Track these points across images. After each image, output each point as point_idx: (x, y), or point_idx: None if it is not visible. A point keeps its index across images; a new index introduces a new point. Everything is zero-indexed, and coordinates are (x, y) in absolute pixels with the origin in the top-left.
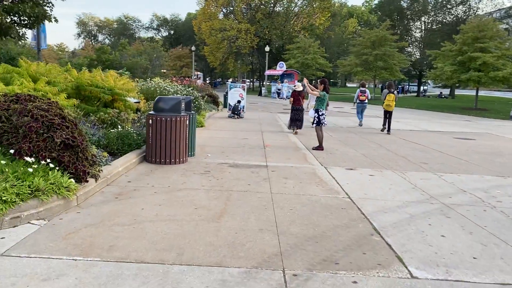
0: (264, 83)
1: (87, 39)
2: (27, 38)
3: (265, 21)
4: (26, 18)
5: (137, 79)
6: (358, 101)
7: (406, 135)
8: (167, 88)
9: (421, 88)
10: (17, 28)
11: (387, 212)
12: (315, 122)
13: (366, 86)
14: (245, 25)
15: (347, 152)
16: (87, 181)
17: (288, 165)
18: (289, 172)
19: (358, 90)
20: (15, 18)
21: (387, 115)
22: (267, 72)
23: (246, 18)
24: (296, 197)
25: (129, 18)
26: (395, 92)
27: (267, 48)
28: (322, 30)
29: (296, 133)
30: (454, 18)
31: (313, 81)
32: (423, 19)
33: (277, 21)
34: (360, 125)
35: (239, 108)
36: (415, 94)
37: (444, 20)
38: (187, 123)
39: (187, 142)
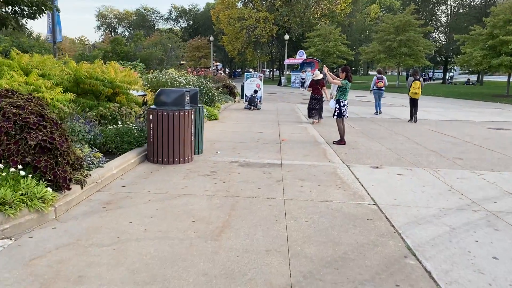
0: (284, 72)
1: (107, 31)
2: (27, 29)
3: (284, 8)
4: (26, 8)
5: (152, 71)
6: (375, 88)
7: (435, 126)
8: (179, 79)
9: (447, 75)
10: (19, 18)
11: (422, 224)
12: (336, 113)
13: (385, 73)
14: (264, 14)
15: (371, 146)
16: (69, 189)
17: (305, 163)
18: (306, 172)
19: (374, 77)
20: (16, 8)
21: (413, 103)
22: (287, 61)
23: (265, 6)
24: (313, 205)
25: (148, 9)
26: (421, 79)
27: (286, 37)
28: (343, 16)
29: (314, 123)
30: (483, 1)
31: (334, 70)
32: (449, 2)
33: (297, 8)
34: (379, 113)
35: (255, 99)
36: (441, 81)
37: (472, 3)
38: (193, 117)
39: (192, 139)
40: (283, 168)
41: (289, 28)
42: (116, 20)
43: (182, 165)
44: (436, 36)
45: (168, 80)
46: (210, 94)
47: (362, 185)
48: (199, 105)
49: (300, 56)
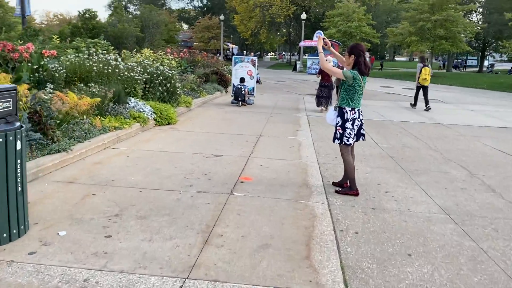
0: (300, 56)
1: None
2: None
3: None
4: None
5: (124, 51)
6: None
7: (505, 142)
8: (113, 63)
9: (486, 62)
10: None
11: None
12: (337, 136)
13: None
14: None
15: (409, 199)
16: None
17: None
18: None
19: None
20: None
21: (424, 90)
22: (302, 43)
23: None
24: None
25: None
26: (429, 65)
27: (303, 16)
28: None
29: (322, 111)
30: None
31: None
32: None
33: None
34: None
35: (242, 92)
36: (475, 69)
37: None
38: None
39: None
40: None
41: (309, 7)
42: None
43: None
44: (474, 18)
45: (95, 65)
46: (169, 85)
47: None
48: (10, 127)
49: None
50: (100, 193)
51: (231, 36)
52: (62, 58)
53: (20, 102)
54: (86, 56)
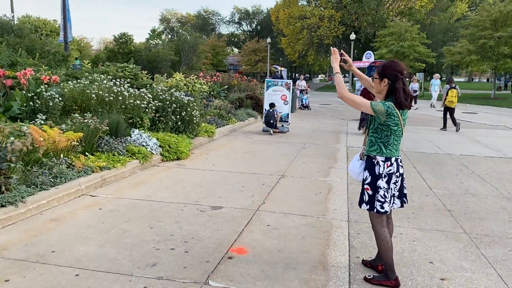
0: (349, 78)
1: (169, 36)
2: None
3: (353, 5)
4: None
5: (157, 76)
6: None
7: None
8: (116, 90)
9: None
10: None
11: None
12: (365, 199)
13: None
14: (329, 11)
15: (481, 286)
16: None
17: None
18: None
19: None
20: None
21: (451, 112)
22: None
23: (331, 3)
24: None
25: (209, 12)
26: (457, 87)
27: (352, 36)
28: (423, 14)
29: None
30: None
31: (412, 77)
32: None
33: (368, 5)
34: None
35: (274, 115)
36: None
37: None
38: None
39: None
40: None
41: (359, 28)
42: (179, 24)
43: None
44: None
45: (94, 92)
46: (184, 113)
47: None
48: None
49: (367, 59)
50: (18, 278)
51: (280, 59)
52: (62, 84)
53: None
54: (88, 82)
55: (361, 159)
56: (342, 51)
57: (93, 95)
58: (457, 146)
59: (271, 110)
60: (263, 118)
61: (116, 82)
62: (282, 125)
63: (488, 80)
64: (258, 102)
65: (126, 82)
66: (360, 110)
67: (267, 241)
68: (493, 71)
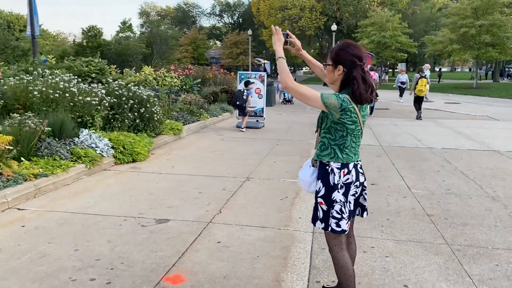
0: None
1: (149, 29)
2: None
3: None
4: None
5: (126, 70)
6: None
7: None
8: (62, 86)
9: None
10: None
11: None
12: (318, 215)
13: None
14: (310, 2)
15: None
16: None
17: None
18: None
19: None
20: None
21: (419, 100)
22: None
23: None
24: None
25: (189, 4)
26: (427, 76)
27: (333, 27)
28: (405, 4)
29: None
30: None
31: (389, 67)
32: None
33: None
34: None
35: (242, 99)
36: None
37: None
38: None
39: None
40: None
41: (341, 18)
42: (159, 17)
43: None
44: None
45: (36, 89)
46: (143, 110)
47: None
48: None
49: None
50: None
51: (263, 52)
52: (2, 81)
53: None
54: (31, 77)
55: (313, 165)
56: (288, 31)
57: (36, 92)
58: (439, 139)
59: (242, 90)
60: (239, 114)
61: (67, 78)
62: (257, 120)
63: (470, 69)
64: (233, 96)
65: (91, 77)
66: (307, 103)
67: (212, 264)
68: (475, 60)
